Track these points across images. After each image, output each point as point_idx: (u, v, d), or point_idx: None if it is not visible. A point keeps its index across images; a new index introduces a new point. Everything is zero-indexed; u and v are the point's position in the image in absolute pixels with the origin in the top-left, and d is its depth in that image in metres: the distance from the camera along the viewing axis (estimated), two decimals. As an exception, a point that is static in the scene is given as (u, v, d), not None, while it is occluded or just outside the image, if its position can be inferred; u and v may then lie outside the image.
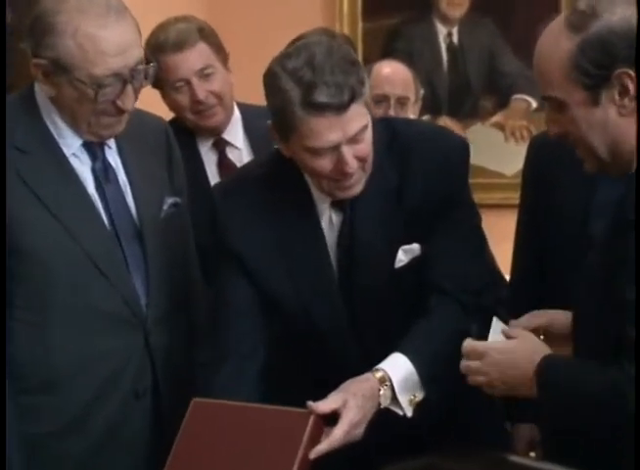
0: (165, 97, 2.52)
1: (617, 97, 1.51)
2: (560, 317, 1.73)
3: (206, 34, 2.46)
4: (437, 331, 1.82)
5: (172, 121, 2.46)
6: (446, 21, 3.67)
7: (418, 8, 3.67)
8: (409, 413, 1.78)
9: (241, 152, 2.53)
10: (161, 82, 2.44)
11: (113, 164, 1.90)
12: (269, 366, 1.91)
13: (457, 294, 1.87)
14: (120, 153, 1.91)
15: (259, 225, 1.88)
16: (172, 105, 2.51)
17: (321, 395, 1.76)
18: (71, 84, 1.76)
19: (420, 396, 1.80)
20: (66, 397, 1.83)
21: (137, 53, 1.78)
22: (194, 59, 2.43)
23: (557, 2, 3.46)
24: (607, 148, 1.55)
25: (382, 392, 1.76)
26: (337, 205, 1.88)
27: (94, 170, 1.87)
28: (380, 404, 1.76)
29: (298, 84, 1.71)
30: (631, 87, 1.50)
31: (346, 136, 1.75)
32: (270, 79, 1.76)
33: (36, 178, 1.80)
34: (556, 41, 1.53)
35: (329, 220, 1.89)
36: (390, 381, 1.77)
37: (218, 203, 1.95)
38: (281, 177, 1.89)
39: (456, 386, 1.77)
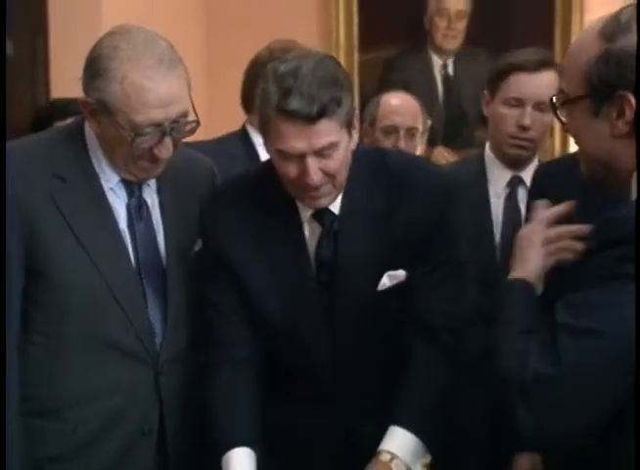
0: (253, 115, 2.56)
1: (614, 116, 1.53)
2: None
3: None
4: (426, 387, 1.85)
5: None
6: (441, 52, 3.72)
7: (413, 40, 3.71)
8: None
9: None
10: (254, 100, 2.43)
11: (149, 201, 1.93)
12: (264, 371, 1.95)
13: (440, 333, 1.91)
14: (159, 191, 1.94)
15: (245, 229, 1.93)
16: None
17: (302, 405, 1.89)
18: (113, 126, 1.80)
19: (429, 457, 1.84)
20: (72, 424, 1.84)
21: (181, 107, 1.81)
22: None
23: (551, 34, 3.50)
24: (598, 159, 1.58)
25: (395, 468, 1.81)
26: (317, 218, 1.93)
27: (128, 207, 1.90)
28: None
29: (279, 88, 1.79)
30: (628, 113, 1.52)
31: (312, 148, 1.80)
32: (263, 79, 1.85)
33: (71, 208, 1.83)
34: (586, 43, 1.56)
35: (311, 231, 1.93)
36: (399, 458, 1.81)
37: (206, 205, 1.99)
38: (270, 183, 1.93)
39: (451, 429, 1.83)
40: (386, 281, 1.92)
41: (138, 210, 1.90)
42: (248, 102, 2.65)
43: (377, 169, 1.96)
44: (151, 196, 1.93)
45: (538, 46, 3.45)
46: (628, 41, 1.51)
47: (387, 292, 1.92)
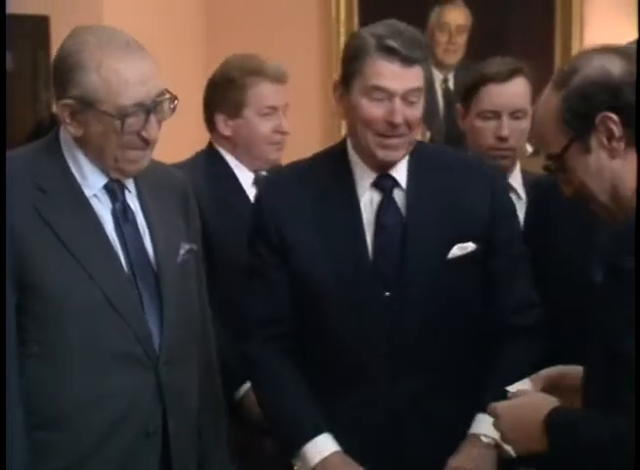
0: (237, 121, 2.59)
1: (604, 141, 1.58)
2: (572, 371, 1.75)
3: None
4: (514, 373, 1.91)
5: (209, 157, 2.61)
6: (442, 66, 3.73)
7: (414, 54, 3.72)
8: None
9: None
10: (242, 107, 2.56)
11: (132, 206, 1.93)
12: (311, 354, 2.07)
13: (524, 325, 2.08)
14: (140, 197, 1.95)
15: (300, 208, 2.05)
16: (248, 131, 2.58)
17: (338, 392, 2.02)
18: (98, 119, 1.81)
19: None
20: (76, 434, 1.84)
21: (159, 85, 1.85)
22: (285, 94, 2.60)
23: (551, 48, 3.51)
24: (607, 193, 1.61)
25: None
26: (377, 185, 2.04)
27: (114, 211, 1.90)
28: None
29: (376, 36, 1.97)
30: (615, 129, 1.56)
31: (405, 87, 1.96)
32: (351, 37, 2.07)
33: (57, 218, 1.83)
34: (546, 102, 1.63)
35: (369, 201, 2.04)
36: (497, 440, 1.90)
37: (264, 185, 2.18)
38: (325, 166, 2.10)
39: None
40: (455, 251, 2.03)
41: (124, 213, 1.91)
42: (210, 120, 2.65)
43: (438, 153, 2.21)
44: (133, 201, 1.94)
45: (539, 60, 3.48)
46: (581, 77, 1.58)
47: (456, 260, 2.02)
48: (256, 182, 2.62)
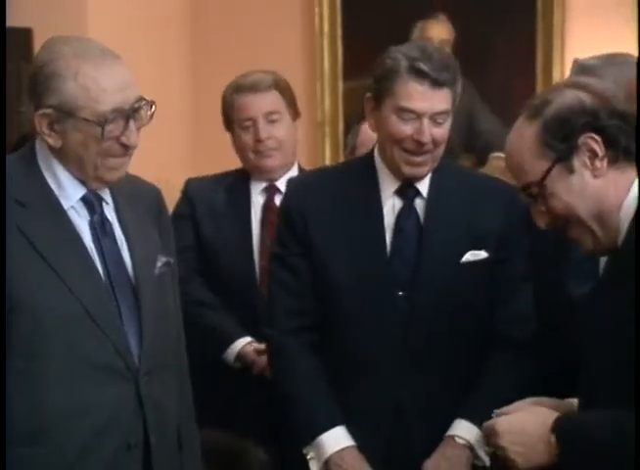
0: (234, 138, 2.75)
1: (587, 161, 1.62)
2: (545, 400, 1.75)
3: (282, 87, 2.72)
4: (498, 388, 2.04)
5: (232, 171, 2.77)
6: (425, 81, 3.74)
7: (397, 68, 3.74)
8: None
9: None
10: (232, 122, 2.72)
11: (110, 218, 1.93)
12: (327, 348, 2.15)
13: (515, 337, 2.16)
14: (117, 210, 1.95)
15: (326, 205, 2.15)
16: (238, 145, 2.74)
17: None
18: (77, 127, 1.81)
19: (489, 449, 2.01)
20: (56, 448, 1.82)
21: (135, 91, 1.85)
22: (266, 101, 2.69)
23: (533, 62, 3.54)
24: (592, 215, 1.63)
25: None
26: (399, 193, 2.15)
27: (92, 224, 1.90)
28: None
29: (408, 58, 2.06)
30: (599, 149, 1.61)
31: (432, 110, 2.05)
32: (384, 55, 2.12)
33: (34, 231, 1.82)
34: (521, 133, 1.67)
35: (391, 207, 2.15)
36: (471, 443, 2.08)
37: (292, 183, 2.28)
38: (352, 172, 2.22)
39: None
40: (469, 256, 2.12)
41: (102, 225, 1.91)
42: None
43: (462, 171, 2.35)
44: (110, 213, 1.94)
45: (521, 74, 3.51)
46: (556, 105, 1.63)
47: (469, 266, 2.12)
48: (265, 190, 2.72)
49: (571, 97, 1.63)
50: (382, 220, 2.13)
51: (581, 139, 1.61)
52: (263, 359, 2.50)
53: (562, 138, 1.62)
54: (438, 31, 3.72)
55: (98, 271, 1.87)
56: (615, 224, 1.63)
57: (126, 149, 1.85)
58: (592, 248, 1.69)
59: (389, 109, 2.07)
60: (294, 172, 2.74)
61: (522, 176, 1.67)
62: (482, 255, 2.13)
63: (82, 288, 1.83)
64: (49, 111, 1.81)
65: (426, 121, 2.05)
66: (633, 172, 1.62)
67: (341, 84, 3.78)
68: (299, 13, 3.78)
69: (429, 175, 2.15)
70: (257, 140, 2.67)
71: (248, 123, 2.68)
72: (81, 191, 1.89)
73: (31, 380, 1.81)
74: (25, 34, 3.11)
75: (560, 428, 1.58)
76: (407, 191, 2.15)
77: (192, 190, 2.74)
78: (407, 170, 2.10)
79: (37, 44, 3.09)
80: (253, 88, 2.68)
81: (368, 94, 2.16)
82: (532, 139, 1.63)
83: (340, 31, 3.75)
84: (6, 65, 1.80)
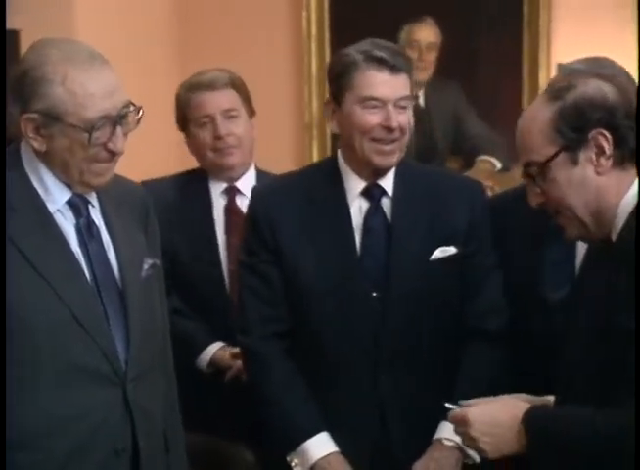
0: (189, 138, 2.70)
1: (593, 157, 1.63)
2: (518, 395, 1.77)
3: (237, 85, 2.69)
4: (476, 384, 2.06)
5: (189, 172, 2.71)
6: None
7: (385, 71, 3.74)
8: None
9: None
10: (188, 121, 2.67)
11: (96, 221, 1.92)
12: (303, 351, 2.16)
13: (491, 329, 2.18)
14: (103, 213, 1.94)
15: (293, 211, 2.17)
16: (195, 144, 2.69)
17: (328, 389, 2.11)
18: (63, 133, 1.80)
19: None
20: (44, 455, 1.82)
21: (123, 95, 1.84)
22: (223, 98, 2.66)
23: (519, 65, 3.55)
24: (586, 208, 1.65)
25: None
26: (365, 194, 2.17)
27: (78, 227, 1.89)
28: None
29: (361, 51, 2.11)
30: (607, 147, 1.61)
31: (396, 95, 2.09)
32: (336, 56, 2.21)
33: (20, 235, 1.81)
34: (537, 111, 1.67)
35: (358, 208, 2.16)
36: (460, 444, 2.03)
37: (257, 197, 2.27)
38: (317, 175, 2.22)
39: None
40: (438, 253, 2.14)
41: (88, 229, 1.90)
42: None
43: (423, 167, 2.40)
44: (96, 216, 1.93)
45: (507, 77, 3.52)
46: (578, 93, 1.63)
47: (439, 262, 2.14)
48: (226, 192, 2.66)
49: (594, 88, 1.63)
50: (350, 222, 2.14)
51: (592, 133, 1.61)
52: (238, 363, 2.49)
53: (574, 128, 1.62)
54: (425, 35, 3.73)
55: (85, 275, 1.86)
56: (609, 220, 1.64)
57: (113, 155, 1.85)
58: (578, 236, 1.71)
59: (352, 102, 2.09)
60: (252, 172, 2.71)
61: (526, 153, 1.68)
62: (452, 250, 2.15)
63: (69, 292, 1.82)
64: (35, 115, 1.80)
65: (391, 107, 2.08)
66: (635, 173, 1.63)
67: (328, 86, 3.77)
68: (287, 16, 3.78)
69: (393, 174, 2.17)
70: (217, 137, 2.63)
71: (205, 120, 2.64)
72: (67, 194, 1.88)
73: (19, 385, 1.79)
74: (13, 36, 3.10)
75: (529, 419, 1.60)
76: (373, 191, 2.16)
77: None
78: (378, 160, 2.12)
79: (25, 46, 3.09)
80: (210, 86, 2.65)
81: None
82: (546, 121, 1.64)
83: (327, 34, 3.76)
84: (6, 65, 1.77)
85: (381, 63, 2.08)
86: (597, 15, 3.40)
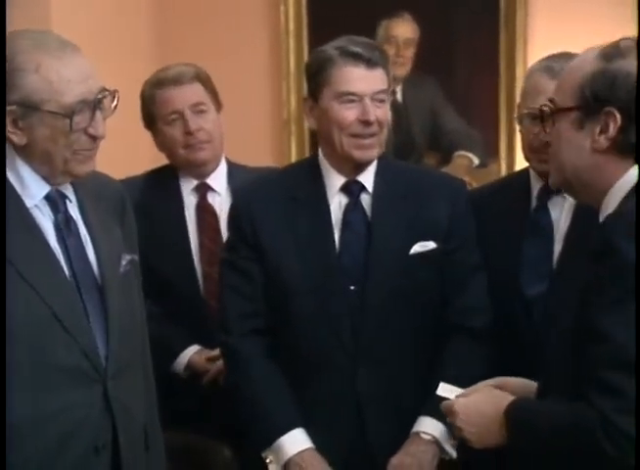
0: (158, 136, 2.64)
1: (596, 131, 1.61)
2: (511, 381, 1.78)
3: (203, 78, 2.64)
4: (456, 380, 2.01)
5: (158, 169, 2.66)
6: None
7: (362, 67, 3.75)
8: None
9: (221, 198, 2.59)
10: (155, 119, 2.61)
11: (74, 217, 1.91)
12: (272, 345, 2.17)
13: (473, 326, 2.19)
14: (81, 208, 1.93)
15: (274, 208, 2.18)
16: (164, 141, 2.63)
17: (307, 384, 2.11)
18: (43, 122, 1.79)
19: (455, 442, 2.12)
20: (23, 454, 1.80)
21: (97, 81, 1.83)
22: (190, 93, 2.61)
23: (496, 61, 3.57)
24: (575, 172, 1.64)
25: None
26: (345, 189, 2.18)
27: (56, 223, 1.87)
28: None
29: (337, 48, 2.12)
30: (611, 128, 1.59)
31: (372, 89, 2.11)
32: (312, 54, 2.25)
33: None
34: (584, 61, 1.64)
35: (338, 204, 2.18)
36: (437, 438, 2.12)
37: (239, 196, 2.29)
38: (298, 173, 2.24)
39: None
40: (417, 248, 2.16)
41: (66, 224, 1.89)
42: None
43: (403, 164, 2.46)
44: (74, 211, 1.92)
45: (484, 72, 3.54)
46: (625, 64, 1.59)
47: (418, 257, 2.15)
48: (197, 189, 2.64)
49: None
50: (329, 217, 2.15)
51: (606, 109, 1.59)
52: (215, 366, 2.48)
53: (596, 96, 1.60)
54: (403, 30, 3.73)
55: (63, 272, 1.85)
56: (596, 197, 1.63)
57: (94, 140, 1.83)
58: (557, 185, 1.71)
59: (329, 98, 2.11)
60: (223, 167, 2.67)
61: (557, 90, 1.67)
62: (431, 245, 2.16)
63: (48, 289, 1.81)
64: (12, 107, 1.78)
65: (368, 102, 2.10)
66: (633, 161, 1.61)
67: (306, 83, 3.77)
68: (265, 12, 3.78)
69: (372, 171, 2.19)
70: (187, 133, 2.58)
71: (174, 117, 2.59)
72: (45, 189, 1.86)
73: None
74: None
75: (511, 412, 1.62)
76: (352, 187, 2.18)
77: None
78: (358, 155, 2.14)
79: (0, 41, 3.06)
80: (177, 81, 2.60)
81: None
82: (582, 74, 1.62)
83: (305, 30, 3.76)
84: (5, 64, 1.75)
85: (356, 58, 2.09)
86: (572, 11, 3.42)
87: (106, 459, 1.88)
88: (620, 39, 1.64)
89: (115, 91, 1.86)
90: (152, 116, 2.64)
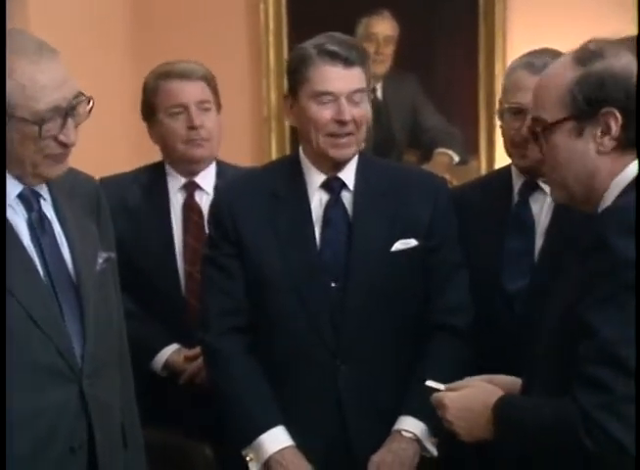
0: (156, 127, 2.61)
1: (598, 134, 1.60)
2: (498, 378, 1.79)
3: (209, 78, 2.64)
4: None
5: (146, 167, 2.65)
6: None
7: (342, 64, 3.75)
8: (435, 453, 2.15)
9: (209, 198, 2.58)
10: (156, 110, 2.57)
11: (48, 215, 1.89)
12: (252, 342, 2.17)
13: (453, 325, 2.19)
14: (55, 206, 1.91)
15: (255, 204, 2.17)
16: (163, 133, 2.60)
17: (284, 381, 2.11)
18: (14, 127, 1.77)
19: (435, 440, 2.14)
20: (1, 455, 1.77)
21: (73, 86, 1.81)
22: (196, 89, 2.61)
23: (475, 59, 3.58)
24: (577, 181, 1.63)
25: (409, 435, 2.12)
26: (325, 186, 2.18)
27: (30, 221, 1.85)
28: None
29: (315, 45, 2.12)
30: (614, 128, 1.59)
31: (349, 88, 2.10)
32: (293, 51, 2.22)
33: None
34: (560, 69, 1.64)
35: (319, 201, 2.18)
36: (418, 436, 2.12)
37: (222, 185, 2.32)
38: (279, 170, 2.24)
39: None
40: (398, 245, 2.15)
41: (40, 223, 1.87)
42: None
43: (384, 161, 2.43)
44: (48, 210, 1.90)
45: (463, 70, 3.55)
46: (607, 64, 1.59)
47: (399, 254, 2.15)
48: (185, 187, 2.63)
49: (623, 64, 1.59)
50: (310, 214, 2.15)
51: (604, 111, 1.58)
52: (193, 366, 2.47)
53: (589, 100, 1.59)
54: (383, 27, 3.74)
55: (38, 271, 1.83)
56: (597, 197, 1.62)
57: (65, 147, 1.82)
58: (560, 201, 1.71)
59: (306, 96, 2.11)
60: (212, 167, 2.65)
61: (538, 108, 1.65)
62: (412, 243, 2.16)
63: (22, 289, 1.79)
64: None
65: (344, 101, 2.10)
66: (634, 156, 1.61)
67: (286, 80, 3.77)
68: (245, 9, 3.77)
69: (353, 167, 2.18)
70: (191, 127, 2.57)
71: (178, 110, 2.57)
72: (18, 188, 1.85)
73: None
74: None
75: (498, 408, 1.62)
76: (333, 184, 2.18)
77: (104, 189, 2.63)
78: (333, 153, 2.14)
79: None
80: (184, 76, 2.59)
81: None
82: (566, 83, 1.60)
83: (285, 27, 3.75)
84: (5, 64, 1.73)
85: (334, 57, 2.08)
86: (551, 6, 3.43)
87: (82, 459, 1.87)
88: (587, 42, 1.64)
89: (90, 97, 1.84)
90: (153, 106, 2.61)
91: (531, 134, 1.67)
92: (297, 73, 2.13)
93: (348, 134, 2.12)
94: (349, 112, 2.09)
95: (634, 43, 1.62)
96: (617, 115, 1.58)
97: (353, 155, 2.18)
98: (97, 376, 1.88)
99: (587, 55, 1.61)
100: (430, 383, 1.77)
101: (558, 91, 1.61)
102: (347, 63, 2.09)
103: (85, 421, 1.86)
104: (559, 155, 1.63)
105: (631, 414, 1.45)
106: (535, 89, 1.68)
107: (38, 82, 1.76)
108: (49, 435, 1.82)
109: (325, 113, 2.10)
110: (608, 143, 1.60)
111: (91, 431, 1.87)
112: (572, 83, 1.60)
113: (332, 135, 2.12)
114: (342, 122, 2.10)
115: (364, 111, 2.14)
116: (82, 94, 1.83)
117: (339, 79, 2.09)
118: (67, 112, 1.79)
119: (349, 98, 2.10)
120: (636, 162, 1.61)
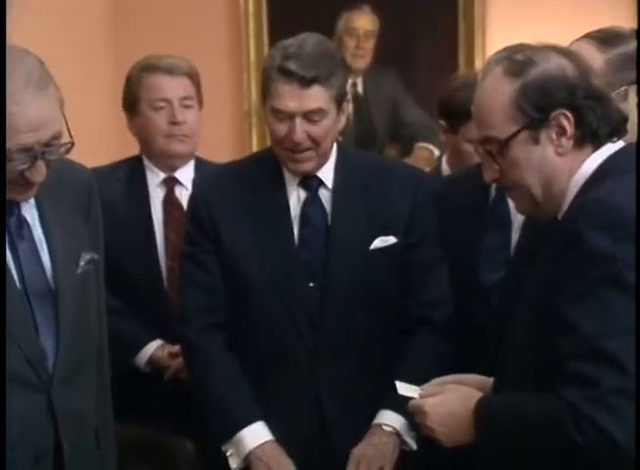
0: (136, 119, 2.59)
1: (554, 137, 1.61)
2: (467, 378, 1.79)
3: (193, 75, 2.63)
4: (416, 374, 1.99)
5: (124, 161, 2.63)
6: (351, 72, 3.75)
7: (323, 59, 3.75)
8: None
9: (189, 193, 2.57)
10: (138, 102, 2.56)
11: (29, 219, 1.84)
12: (230, 339, 2.16)
13: (434, 320, 2.19)
14: (38, 207, 1.86)
15: (233, 200, 2.16)
16: (144, 126, 2.59)
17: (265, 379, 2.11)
18: None
19: (415, 434, 2.13)
20: None
21: (53, 129, 1.72)
22: (180, 85, 2.60)
23: (455, 56, 3.60)
24: (542, 187, 1.64)
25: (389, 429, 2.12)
26: (303, 184, 2.16)
27: (8, 227, 1.80)
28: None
29: (282, 54, 2.06)
30: (569, 128, 1.60)
31: (303, 108, 2.05)
32: (268, 54, 2.18)
33: None
34: (496, 86, 1.63)
35: (297, 198, 2.16)
36: (398, 430, 2.13)
37: (199, 180, 2.29)
38: (257, 166, 2.21)
39: None
40: (377, 243, 2.14)
41: (19, 229, 1.81)
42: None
43: (363, 156, 2.36)
44: (30, 212, 1.84)
45: (444, 65, 3.56)
46: (540, 70, 1.60)
47: (378, 252, 2.13)
48: (164, 182, 2.63)
49: (555, 65, 1.61)
50: (288, 212, 2.14)
51: (555, 113, 1.60)
52: (177, 362, 2.46)
53: (537, 107, 1.60)
54: (363, 22, 3.75)
55: (12, 277, 1.78)
56: (560, 200, 1.64)
57: (29, 184, 1.75)
58: (528, 212, 1.72)
59: (268, 109, 2.09)
60: (191, 162, 2.65)
61: (485, 128, 1.65)
62: (391, 240, 2.16)
63: None
64: None
65: (298, 121, 2.05)
66: (590, 151, 1.63)
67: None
68: (225, 3, 3.77)
69: (332, 164, 2.17)
70: (173, 122, 2.57)
71: (161, 104, 2.56)
72: None
73: None
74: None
75: (479, 410, 1.63)
76: (310, 182, 2.17)
77: None
78: (292, 167, 2.13)
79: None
80: (169, 70, 2.58)
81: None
82: (507, 98, 1.61)
83: (265, 22, 3.75)
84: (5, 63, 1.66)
85: (289, 76, 2.03)
86: (530, 6, 3.45)
87: (47, 468, 1.82)
88: (512, 54, 1.64)
89: (71, 142, 1.75)
90: (134, 98, 2.59)
91: (486, 155, 1.67)
92: (263, 81, 2.11)
93: (305, 150, 2.09)
94: (302, 131, 2.06)
95: (556, 46, 1.65)
96: (568, 114, 1.60)
97: (315, 167, 2.15)
98: (69, 383, 1.84)
99: (518, 66, 1.61)
100: (402, 391, 1.76)
101: (502, 107, 1.61)
102: (304, 82, 2.03)
103: (53, 430, 1.82)
104: (519, 167, 1.63)
105: (621, 406, 1.45)
106: (476, 111, 1.68)
107: (10, 122, 1.66)
108: (13, 445, 1.76)
109: (281, 128, 2.08)
110: (566, 143, 1.61)
111: (58, 440, 1.82)
112: (515, 96, 1.60)
113: (289, 150, 2.10)
114: (293, 142, 2.07)
115: (322, 129, 2.08)
116: (61, 136, 1.74)
117: (293, 98, 2.04)
118: (37, 154, 1.71)
119: (306, 116, 2.06)
120: (593, 156, 1.63)
